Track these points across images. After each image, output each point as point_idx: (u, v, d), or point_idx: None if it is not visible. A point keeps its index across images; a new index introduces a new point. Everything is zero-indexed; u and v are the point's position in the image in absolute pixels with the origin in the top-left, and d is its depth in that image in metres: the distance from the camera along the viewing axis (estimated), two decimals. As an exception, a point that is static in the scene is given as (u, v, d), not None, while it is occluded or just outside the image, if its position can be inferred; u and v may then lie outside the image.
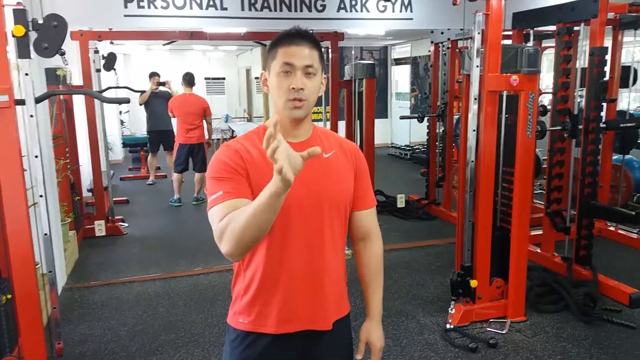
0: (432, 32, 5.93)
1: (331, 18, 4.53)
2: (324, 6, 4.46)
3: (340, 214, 1.46)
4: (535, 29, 4.42)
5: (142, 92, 7.58)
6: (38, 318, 2.67)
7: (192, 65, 10.71)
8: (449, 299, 3.47)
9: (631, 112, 5.64)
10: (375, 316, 1.59)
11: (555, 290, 3.70)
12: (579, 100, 4.03)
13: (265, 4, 4.30)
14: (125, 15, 4.03)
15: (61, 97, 4.93)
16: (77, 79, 5.58)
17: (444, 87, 5.89)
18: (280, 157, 1.06)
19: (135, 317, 3.65)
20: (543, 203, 4.60)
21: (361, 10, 4.58)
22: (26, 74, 2.55)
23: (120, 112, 10.29)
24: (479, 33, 3.11)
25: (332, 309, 1.48)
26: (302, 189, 1.33)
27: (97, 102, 5.39)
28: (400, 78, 11.89)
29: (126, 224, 5.88)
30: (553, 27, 4.24)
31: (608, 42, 4.01)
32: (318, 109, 7.50)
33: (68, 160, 5.09)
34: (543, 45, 5.57)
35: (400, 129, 11.11)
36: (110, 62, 5.99)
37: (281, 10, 4.34)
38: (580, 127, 3.91)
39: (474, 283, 3.32)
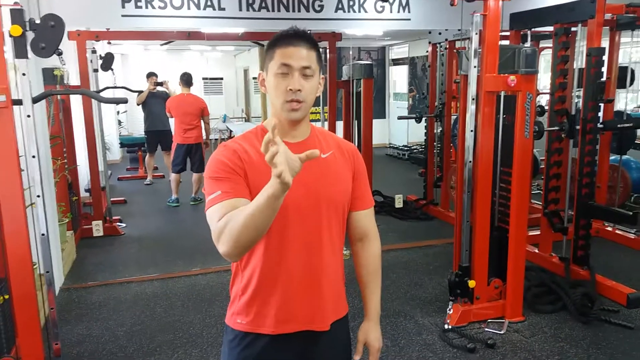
0: (429, 32, 5.94)
1: (329, 18, 4.54)
2: (321, 6, 4.47)
3: (338, 215, 1.46)
4: (532, 29, 4.42)
5: (140, 92, 7.57)
6: (35, 318, 2.67)
7: (190, 65, 10.69)
8: (447, 299, 3.47)
9: (628, 112, 5.65)
10: (373, 317, 1.59)
11: (553, 290, 3.71)
12: (576, 101, 4.04)
13: (263, 4, 4.31)
14: (122, 15, 4.03)
15: (58, 97, 4.92)
16: (74, 79, 5.57)
17: (442, 88, 5.90)
18: (279, 161, 1.06)
19: (133, 317, 3.65)
20: (541, 203, 4.61)
21: (359, 11, 4.59)
22: (23, 74, 2.55)
23: (118, 112, 10.27)
24: (476, 33, 3.11)
25: (330, 309, 1.48)
26: (300, 189, 1.33)
27: (94, 102, 5.39)
28: (398, 78, 11.90)
29: (124, 224, 5.87)
30: (550, 28, 4.24)
31: (605, 43, 4.02)
32: (316, 109, 7.50)
33: (65, 161, 5.09)
34: (540, 45, 5.57)
35: (398, 129, 11.13)
36: (107, 62, 5.98)
37: (279, 10, 4.34)
38: (578, 127, 3.91)
39: (472, 283, 3.33)
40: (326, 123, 5.79)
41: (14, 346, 2.76)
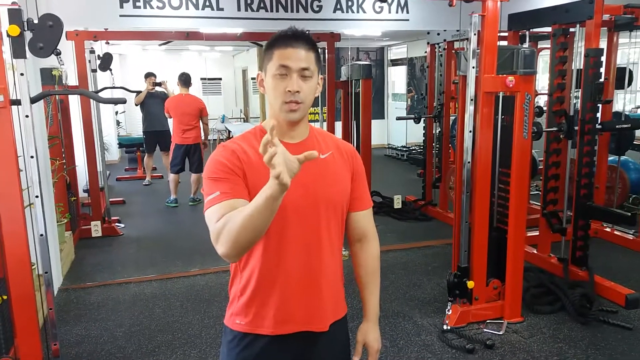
0: (428, 33, 5.94)
1: (327, 19, 4.54)
2: (320, 7, 4.46)
3: (337, 215, 1.46)
4: (531, 30, 4.43)
5: (138, 92, 7.57)
6: (34, 319, 2.66)
7: (188, 65, 10.69)
8: (446, 300, 3.47)
9: (626, 113, 5.66)
10: (372, 317, 1.59)
11: (552, 291, 3.71)
12: (574, 102, 4.04)
13: (262, 5, 4.30)
14: (121, 16, 4.02)
15: (57, 97, 4.91)
16: (72, 79, 5.56)
17: (440, 88, 5.90)
18: (278, 162, 1.06)
19: (131, 318, 3.64)
20: (539, 204, 4.61)
21: (357, 11, 4.59)
22: (21, 74, 2.54)
23: (117, 113, 10.27)
24: (475, 34, 3.11)
25: (329, 310, 1.47)
26: (298, 190, 1.33)
27: (93, 102, 5.38)
28: (396, 79, 11.91)
29: (122, 225, 5.86)
30: (549, 29, 4.25)
31: (603, 44, 4.03)
32: (315, 110, 7.50)
33: (64, 161, 5.08)
34: (539, 46, 5.58)
35: (396, 129, 11.14)
36: (106, 62, 5.98)
37: (277, 10, 4.34)
38: (576, 128, 3.92)
39: (470, 284, 3.33)
40: (325, 123, 5.79)
41: (12, 347, 2.76)
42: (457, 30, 4.89)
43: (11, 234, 2.57)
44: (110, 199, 6.10)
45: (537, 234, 4.47)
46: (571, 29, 4.09)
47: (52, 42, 2.56)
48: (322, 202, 1.41)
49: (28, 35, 2.53)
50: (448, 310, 3.40)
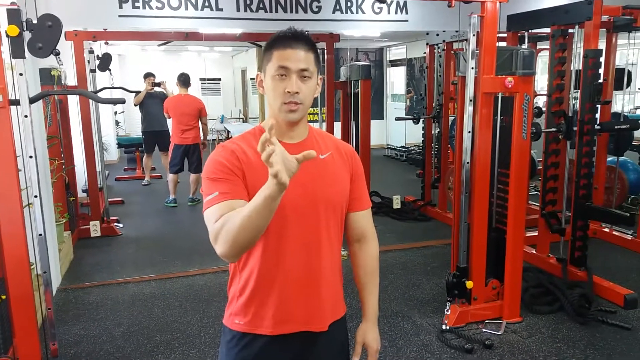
0: (427, 34, 5.94)
1: (327, 19, 4.54)
2: (319, 7, 4.46)
3: (336, 215, 1.46)
4: (530, 31, 4.44)
5: (137, 92, 7.56)
6: (33, 319, 2.66)
7: (188, 65, 10.67)
8: (445, 300, 3.48)
9: (625, 114, 5.67)
10: (371, 317, 1.59)
11: (551, 291, 3.72)
12: (573, 102, 4.05)
13: (261, 5, 4.30)
14: (120, 16, 4.02)
15: (56, 97, 4.91)
16: (71, 80, 5.56)
17: (439, 89, 5.91)
18: (275, 160, 1.07)
19: (130, 318, 3.64)
20: (538, 204, 4.61)
21: (356, 12, 4.59)
22: (20, 74, 2.54)
23: (116, 113, 10.27)
24: (474, 35, 3.12)
25: (328, 310, 1.48)
26: (297, 190, 1.33)
27: (92, 102, 5.38)
28: (395, 79, 11.92)
29: (121, 225, 5.86)
30: (548, 30, 4.25)
31: (602, 45, 4.03)
32: (314, 110, 7.50)
33: (63, 161, 5.08)
34: (538, 47, 5.59)
35: (396, 130, 11.14)
36: (105, 62, 5.98)
37: (276, 11, 4.34)
38: (575, 129, 3.92)
39: (469, 284, 3.33)
40: (324, 124, 5.79)
41: (11, 346, 2.76)
42: (456, 31, 4.89)
43: (10, 233, 2.57)
44: (109, 199, 6.10)
45: (536, 234, 4.48)
46: (570, 30, 4.10)
47: (51, 42, 2.56)
48: (321, 202, 1.41)
49: (27, 35, 2.53)
50: (447, 310, 3.40)
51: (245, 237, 1.20)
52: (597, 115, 4.05)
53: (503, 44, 4.50)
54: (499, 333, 3.31)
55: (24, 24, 2.48)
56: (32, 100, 2.72)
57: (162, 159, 7.89)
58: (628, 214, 3.98)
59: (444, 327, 3.34)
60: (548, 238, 4.35)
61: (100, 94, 5.66)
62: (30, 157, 2.62)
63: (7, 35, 2.44)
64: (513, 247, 3.39)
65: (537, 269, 4.17)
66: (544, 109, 4.58)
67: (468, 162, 3.28)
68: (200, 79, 12.38)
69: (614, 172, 5.23)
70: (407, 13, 4.73)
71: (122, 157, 10.32)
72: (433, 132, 6.11)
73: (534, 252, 4.43)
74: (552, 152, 4.20)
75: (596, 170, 4.55)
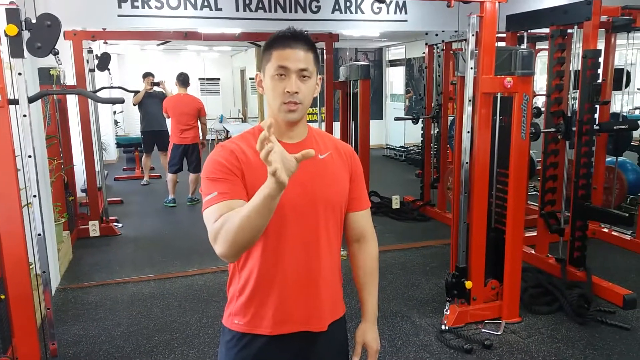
0: (426, 34, 5.94)
1: (326, 19, 4.54)
2: (318, 7, 4.46)
3: (335, 215, 1.46)
4: (529, 31, 4.44)
5: (136, 92, 7.56)
6: (32, 319, 2.66)
7: (187, 65, 10.67)
8: (444, 300, 3.48)
9: (624, 114, 5.67)
10: (370, 318, 1.59)
11: (550, 291, 3.72)
12: (572, 103, 4.05)
13: (260, 5, 4.30)
14: (119, 15, 4.01)
15: (55, 97, 4.90)
16: (70, 79, 5.56)
17: (439, 89, 5.91)
18: (274, 159, 1.06)
19: (129, 317, 3.64)
20: (537, 205, 4.61)
21: (356, 12, 4.58)
22: (19, 74, 2.54)
23: (115, 112, 10.26)
24: (473, 35, 3.12)
25: (327, 310, 1.48)
26: (296, 188, 1.33)
27: (91, 102, 5.37)
28: (395, 79, 11.92)
29: (120, 225, 5.85)
30: (547, 30, 4.25)
31: (601, 45, 4.03)
32: (313, 110, 7.51)
33: (62, 160, 5.07)
34: (537, 47, 5.59)
35: (395, 130, 11.14)
36: (104, 62, 5.98)
37: (276, 11, 4.34)
38: (574, 129, 3.93)
39: (468, 284, 3.33)
40: (323, 124, 5.79)
41: (10, 346, 2.75)
42: (455, 31, 4.88)
43: (9, 233, 2.57)
44: (108, 199, 6.10)
45: (535, 234, 4.48)
46: (569, 30, 4.10)
47: (50, 41, 2.56)
48: (320, 201, 1.41)
49: (26, 34, 2.52)
50: (446, 311, 3.40)
51: (245, 237, 1.20)
52: (596, 116, 4.05)
53: (502, 44, 4.51)
54: (498, 333, 3.31)
55: (23, 23, 2.48)
56: (31, 100, 2.71)
57: (161, 158, 7.88)
58: (627, 214, 3.98)
59: (443, 327, 3.34)
60: (547, 238, 4.35)
61: (99, 94, 5.66)
62: (29, 156, 2.61)
63: (6, 35, 2.44)
64: (512, 247, 3.39)
65: (536, 269, 4.18)
66: (543, 109, 4.58)
67: (467, 162, 3.28)
68: (199, 79, 12.38)
69: (612, 172, 5.23)
70: (406, 13, 4.72)
71: (121, 157, 10.32)
72: (432, 132, 6.12)
73: (533, 252, 4.44)
74: (551, 152, 4.20)
75: (595, 170, 4.56)
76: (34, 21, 2.52)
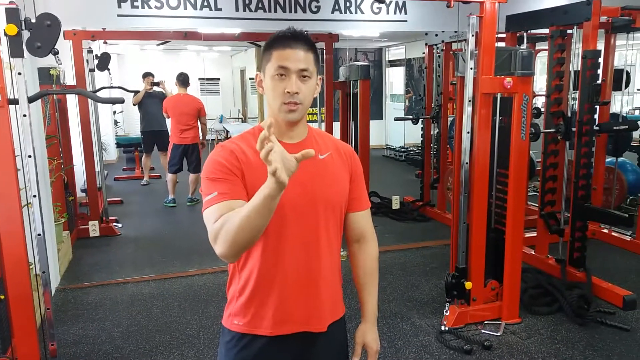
0: (426, 34, 5.95)
1: (326, 19, 4.54)
2: (318, 7, 4.46)
3: (335, 215, 1.46)
4: (528, 31, 4.44)
5: (136, 92, 7.56)
6: (31, 319, 2.66)
7: (187, 65, 10.67)
8: (444, 300, 3.48)
9: (624, 114, 5.67)
10: (370, 318, 1.59)
11: (550, 292, 3.72)
12: (572, 103, 4.05)
13: (260, 5, 4.30)
14: (118, 15, 4.01)
15: (55, 96, 4.90)
16: (70, 79, 5.56)
17: (438, 89, 5.91)
18: (274, 158, 1.06)
19: (129, 318, 3.64)
20: (537, 205, 4.61)
21: (355, 12, 4.59)
22: (19, 74, 2.54)
23: (114, 112, 10.26)
24: (473, 35, 3.12)
25: (327, 310, 1.47)
26: (296, 188, 1.33)
27: (90, 102, 5.37)
28: (394, 80, 11.92)
29: (120, 225, 5.85)
30: (547, 30, 4.26)
31: (601, 46, 4.03)
32: (313, 110, 7.50)
33: (62, 160, 5.07)
34: (537, 47, 5.59)
35: (394, 130, 11.14)
36: (103, 62, 5.97)
37: (275, 11, 4.34)
38: (574, 129, 3.93)
39: (468, 285, 3.33)
40: (323, 124, 5.79)
41: (9, 347, 2.75)
42: (455, 32, 4.88)
43: (8, 233, 2.56)
44: (108, 199, 6.10)
45: (535, 235, 4.48)
46: (569, 31, 4.11)
47: (50, 41, 2.56)
48: (320, 201, 1.41)
49: (26, 34, 2.52)
50: (446, 311, 3.40)
51: (245, 237, 1.20)
52: (596, 116, 4.05)
53: (502, 44, 4.51)
54: (498, 334, 3.31)
55: (23, 23, 2.48)
56: (31, 100, 2.71)
57: (161, 158, 7.88)
58: (627, 215, 3.98)
59: (443, 328, 3.34)
60: (547, 239, 4.35)
61: (99, 94, 5.66)
62: (29, 156, 2.61)
63: (6, 35, 2.44)
64: (512, 247, 3.39)
65: (536, 270, 4.18)
66: (542, 109, 4.58)
67: (467, 163, 3.28)
68: (199, 79, 12.38)
69: (612, 172, 5.23)
70: (406, 13, 4.73)
71: (121, 157, 10.31)
72: (432, 133, 6.12)
73: (533, 252, 4.43)
74: (551, 152, 4.20)
75: (595, 171, 4.56)
76: (33, 21, 2.52)
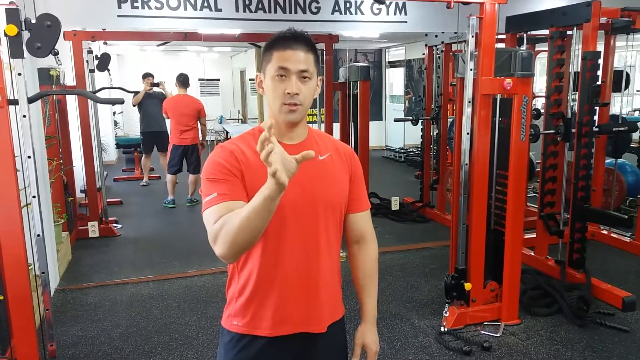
0: (426, 35, 5.95)
1: (326, 20, 4.54)
2: (318, 8, 4.47)
3: (335, 216, 1.46)
4: (528, 32, 4.44)
5: (136, 92, 7.55)
6: (31, 319, 2.65)
7: (186, 66, 10.69)
8: (443, 301, 3.48)
9: (623, 116, 5.67)
10: (370, 319, 1.59)
11: (549, 293, 3.72)
12: (572, 104, 4.05)
13: (260, 6, 4.31)
14: (119, 16, 4.02)
15: (54, 97, 4.90)
16: (70, 80, 5.56)
17: (438, 90, 5.91)
18: (274, 160, 1.06)
19: (128, 319, 3.64)
20: (537, 206, 4.61)
21: (355, 13, 4.59)
22: (19, 74, 2.54)
23: (114, 113, 10.26)
24: (472, 36, 3.12)
25: (326, 311, 1.47)
26: (296, 189, 1.33)
27: (90, 102, 5.37)
28: (394, 81, 11.92)
29: (120, 225, 5.85)
30: (546, 31, 4.26)
31: (600, 47, 4.04)
32: (313, 111, 7.51)
33: (61, 161, 5.07)
34: (536, 49, 5.59)
35: (394, 131, 11.15)
36: (103, 62, 5.97)
37: (275, 11, 4.34)
38: (574, 130, 3.93)
39: (468, 286, 3.33)
40: (323, 125, 5.79)
41: (9, 347, 2.75)
42: (455, 33, 4.89)
43: (8, 234, 2.56)
44: (108, 200, 6.10)
45: (535, 236, 4.48)
46: (568, 32, 4.11)
47: (50, 42, 2.55)
48: (320, 202, 1.41)
49: (26, 35, 2.52)
50: (445, 312, 3.40)
51: (245, 238, 1.20)
52: (596, 117, 4.05)
53: (502, 45, 4.51)
54: (498, 335, 3.31)
55: (23, 23, 2.47)
56: (31, 100, 2.71)
57: (161, 159, 7.88)
58: (626, 216, 3.98)
59: (442, 329, 3.34)
60: (546, 240, 4.35)
61: (98, 94, 5.65)
62: (29, 157, 2.61)
63: (6, 35, 2.44)
64: (511, 248, 3.39)
65: (535, 271, 4.18)
66: (542, 110, 4.58)
67: (467, 164, 3.28)
68: (199, 80, 12.39)
69: (612, 174, 5.23)
70: (406, 14, 4.73)
71: (120, 158, 10.31)
72: (432, 134, 6.11)
73: (533, 254, 4.43)
74: (551, 154, 4.20)
75: (594, 172, 4.56)
76: (33, 21, 2.52)
